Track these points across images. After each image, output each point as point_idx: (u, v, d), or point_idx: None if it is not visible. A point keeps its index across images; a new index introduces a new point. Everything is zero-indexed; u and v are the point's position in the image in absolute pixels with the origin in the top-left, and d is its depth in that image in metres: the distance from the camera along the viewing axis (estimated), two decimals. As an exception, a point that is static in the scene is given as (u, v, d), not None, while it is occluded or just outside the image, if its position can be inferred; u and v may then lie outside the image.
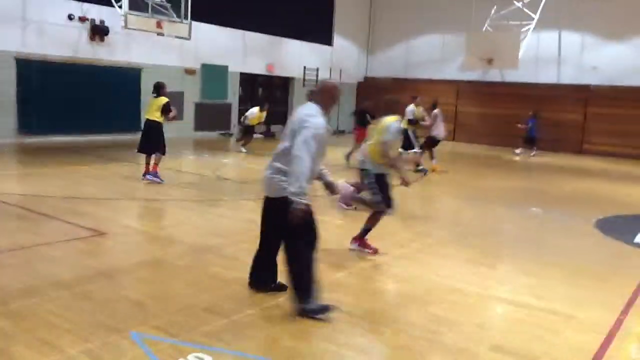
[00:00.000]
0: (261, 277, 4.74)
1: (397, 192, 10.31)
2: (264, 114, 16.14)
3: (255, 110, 15.96)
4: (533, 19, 20.28)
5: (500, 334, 4.22)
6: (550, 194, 11.28)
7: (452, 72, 23.92)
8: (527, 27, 20.45)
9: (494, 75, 22.91)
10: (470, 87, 23.61)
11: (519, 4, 20.64)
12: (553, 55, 22.40)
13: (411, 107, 13.41)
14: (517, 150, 19.60)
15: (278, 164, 4.35)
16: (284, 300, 4.56)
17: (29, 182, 9.66)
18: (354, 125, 14.51)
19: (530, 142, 19.31)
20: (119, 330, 3.88)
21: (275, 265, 4.68)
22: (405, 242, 6.73)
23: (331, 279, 5.17)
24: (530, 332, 4.32)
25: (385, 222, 7.50)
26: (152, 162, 9.83)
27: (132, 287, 4.86)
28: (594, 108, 21.41)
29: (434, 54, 24.82)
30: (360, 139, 12.33)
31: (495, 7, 21.14)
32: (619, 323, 4.50)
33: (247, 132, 16.14)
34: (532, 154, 18.99)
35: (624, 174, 15.17)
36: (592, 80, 21.54)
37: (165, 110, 9.61)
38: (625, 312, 4.76)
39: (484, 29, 21.30)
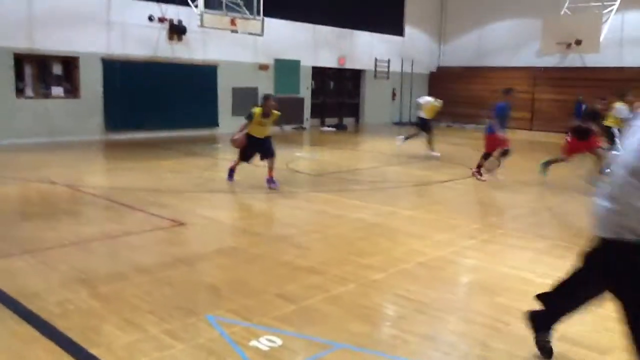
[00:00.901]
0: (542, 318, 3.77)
1: (471, 182, 10.27)
2: (440, 104, 13.95)
3: (429, 98, 13.98)
4: (616, -1, 19.33)
5: (568, 325, 4.15)
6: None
7: (527, 58, 23.17)
8: (610, 9, 19.51)
9: (573, 60, 22.00)
10: (547, 74, 22.78)
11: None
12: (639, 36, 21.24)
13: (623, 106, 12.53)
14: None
15: (619, 192, 2.84)
16: (352, 288, 4.72)
17: (115, 176, 10.32)
18: (573, 134, 10.26)
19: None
20: (196, 313, 4.16)
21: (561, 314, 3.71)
22: (476, 233, 6.70)
23: (400, 269, 5.28)
24: (600, 323, 4.25)
25: (456, 214, 7.50)
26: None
27: (209, 274, 5.17)
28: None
29: (509, 40, 24.12)
30: (573, 150, 10.20)
31: (574, -12, 20.31)
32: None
33: (423, 127, 13.79)
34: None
35: None
36: (684, 61, 20.27)
37: (247, 118, 9.10)
38: None
39: (562, 12, 20.50)
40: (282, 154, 13.53)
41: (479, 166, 10.54)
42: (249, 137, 9.03)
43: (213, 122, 17.73)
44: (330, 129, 20.37)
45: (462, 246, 6.13)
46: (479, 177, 10.46)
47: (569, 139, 10.29)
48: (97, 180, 9.93)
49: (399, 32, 24.53)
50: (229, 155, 13.30)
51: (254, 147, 9.09)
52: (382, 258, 5.59)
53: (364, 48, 22.82)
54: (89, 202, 8.07)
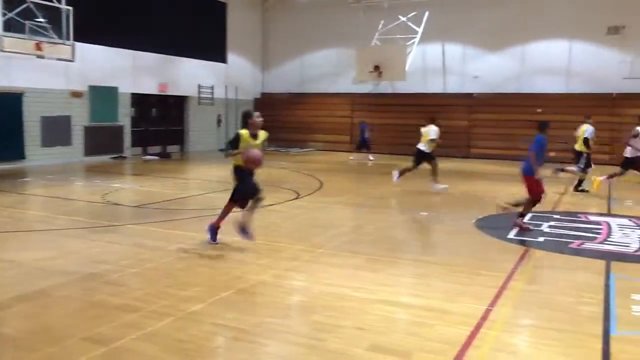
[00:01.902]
0: None
1: (296, 205, 10.53)
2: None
3: (435, 128, 12.49)
4: (419, 32, 21.39)
5: (379, 334, 4.42)
6: (438, 197, 11.90)
7: (346, 85, 24.64)
8: (412, 41, 21.53)
9: (385, 86, 23.84)
10: (363, 100, 24.40)
11: (404, 19, 21.70)
12: (438, 66, 23.69)
13: (591, 128, 12.56)
14: (353, 157, 20.63)
15: None
16: (169, 322, 4.54)
17: None
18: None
19: (364, 146, 20.43)
20: (-13, 369, 3.70)
21: None
22: (297, 254, 6.86)
23: (220, 297, 5.20)
24: (407, 329, 4.58)
25: (281, 237, 7.63)
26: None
27: (6, 324, 4.64)
28: (478, 114, 22.82)
29: (328, 68, 25.47)
30: None
31: (382, 21, 22.09)
32: (486, 313, 4.86)
33: (427, 158, 12.53)
34: (370, 158, 20.09)
35: (505, 175, 16.25)
36: (474, 88, 22.97)
37: (231, 144, 7.08)
38: (493, 303, 5.14)
39: (372, 43, 22.16)
40: (99, 186, 12.78)
41: (522, 215, 8.49)
42: (236, 169, 7.12)
43: (19, 154, 16.20)
44: (153, 157, 19.68)
45: (284, 268, 6.23)
46: (523, 225, 8.39)
47: None
48: None
49: (222, 59, 24.66)
50: (38, 190, 12.23)
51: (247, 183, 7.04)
52: (202, 288, 5.47)
53: (187, 74, 22.54)
54: None
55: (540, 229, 8.53)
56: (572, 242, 7.65)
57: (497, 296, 5.34)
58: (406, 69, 21.37)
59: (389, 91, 24.04)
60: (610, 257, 6.93)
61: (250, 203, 7.08)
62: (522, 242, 7.64)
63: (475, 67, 23.02)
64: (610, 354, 4.15)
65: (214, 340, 4.35)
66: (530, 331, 4.68)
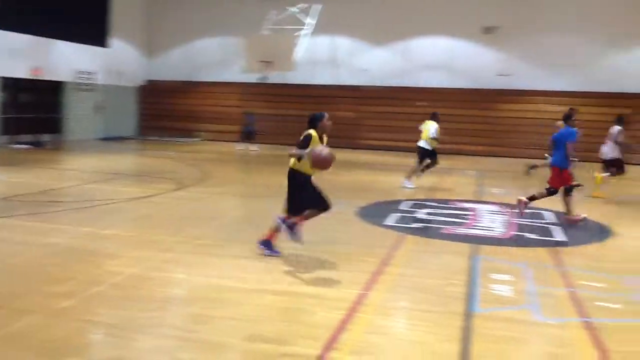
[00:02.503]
0: None
1: (176, 196, 10.25)
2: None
3: (436, 126, 12.05)
4: (309, 24, 21.56)
5: (257, 324, 4.43)
6: (323, 186, 12.11)
7: (235, 74, 24.27)
8: (303, 32, 21.67)
9: (275, 77, 23.79)
10: (253, 89, 24.21)
11: (295, 10, 21.77)
12: (328, 58, 24.05)
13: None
14: (239, 147, 20.62)
15: None
16: (34, 320, 4.28)
17: None
18: None
19: (249, 137, 20.37)
20: None
21: None
22: (175, 247, 6.70)
23: (91, 292, 4.97)
24: (285, 317, 4.64)
25: (158, 229, 7.42)
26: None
27: None
28: (365, 106, 23.50)
29: (217, 56, 25.00)
30: None
31: (273, 11, 22.02)
32: (361, 298, 5.04)
33: (429, 155, 12.14)
34: (253, 149, 20.10)
35: (388, 165, 16.91)
36: (363, 81, 23.60)
37: (300, 146, 6.16)
38: (368, 287, 5.34)
39: (262, 32, 22.04)
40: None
41: (533, 198, 9.01)
42: (300, 175, 6.34)
43: None
44: (24, 146, 18.32)
45: (160, 261, 6.07)
46: (522, 208, 8.98)
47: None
48: None
49: (104, 43, 23.36)
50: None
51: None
52: (73, 283, 5.19)
53: (64, 58, 21.17)
54: None
55: (415, 215, 8.98)
56: (444, 228, 8.12)
57: (372, 281, 5.55)
58: (295, 60, 21.47)
59: (279, 81, 24.03)
60: (476, 240, 7.45)
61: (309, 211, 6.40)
62: (398, 229, 7.98)
63: (364, 61, 23.64)
64: (472, 329, 4.46)
65: (83, 337, 4.15)
66: (401, 313, 4.91)
